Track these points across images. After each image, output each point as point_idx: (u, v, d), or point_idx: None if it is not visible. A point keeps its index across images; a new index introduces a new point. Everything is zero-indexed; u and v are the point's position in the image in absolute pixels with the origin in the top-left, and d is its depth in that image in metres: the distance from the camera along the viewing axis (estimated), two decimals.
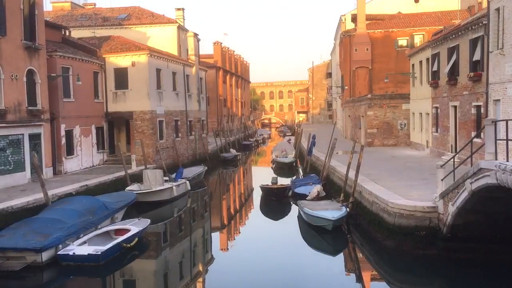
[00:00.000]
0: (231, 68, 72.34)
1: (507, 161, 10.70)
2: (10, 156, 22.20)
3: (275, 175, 29.36)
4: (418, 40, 43.52)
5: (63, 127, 26.55)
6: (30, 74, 23.86)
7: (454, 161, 14.18)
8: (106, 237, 16.21)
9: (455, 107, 24.78)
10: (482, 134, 17.12)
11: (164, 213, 23.03)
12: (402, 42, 44.62)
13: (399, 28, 44.80)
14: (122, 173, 25.30)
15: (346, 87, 49.27)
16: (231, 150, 47.61)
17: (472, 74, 21.81)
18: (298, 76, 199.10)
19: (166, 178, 25.57)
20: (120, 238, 15.68)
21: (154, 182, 23.87)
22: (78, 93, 28.04)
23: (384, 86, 42.94)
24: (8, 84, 22.10)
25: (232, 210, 26.18)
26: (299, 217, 20.26)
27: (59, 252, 14.36)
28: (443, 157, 23.84)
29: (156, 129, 31.46)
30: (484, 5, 26.11)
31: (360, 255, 16.41)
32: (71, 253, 14.30)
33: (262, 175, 34.31)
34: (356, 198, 18.60)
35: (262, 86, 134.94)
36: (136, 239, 16.07)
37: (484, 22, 20.20)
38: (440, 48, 26.69)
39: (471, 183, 12.01)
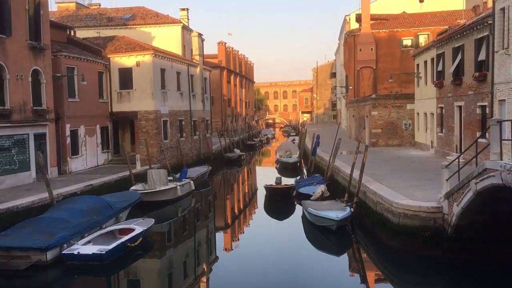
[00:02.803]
0: (235, 68, 72.36)
1: None
2: (15, 155, 22.29)
3: (279, 175, 29.33)
4: (422, 40, 43.39)
5: (68, 127, 26.64)
6: (35, 74, 23.95)
7: (459, 162, 14.12)
8: (111, 237, 16.25)
9: (460, 107, 24.69)
10: (487, 134, 17.06)
11: (168, 213, 23.06)
12: (407, 42, 44.50)
13: (403, 28, 44.70)
14: (127, 172, 25.36)
15: (351, 87, 49.20)
16: (235, 150, 47.63)
17: (477, 74, 21.72)
18: (302, 76, 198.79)
19: (170, 178, 25.60)
20: (125, 238, 15.72)
21: (159, 182, 23.93)
22: (83, 93, 28.13)
23: (389, 86, 42.83)
24: (13, 84, 22.20)
25: (236, 210, 26.20)
26: (303, 217, 20.25)
27: (63, 252, 14.40)
28: (448, 157, 23.75)
29: (161, 129, 31.52)
30: (489, 4, 25.99)
31: (364, 255, 16.38)
32: (75, 252, 14.34)
33: (266, 175, 34.31)
34: (360, 198, 18.57)
35: (266, 86, 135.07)
36: (140, 238, 16.11)
37: (489, 22, 20.12)
38: (445, 48, 26.61)
39: (476, 183, 11.97)
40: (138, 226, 16.87)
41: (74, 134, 27.29)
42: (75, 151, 27.38)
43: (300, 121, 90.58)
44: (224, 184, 35.66)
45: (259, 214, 23.87)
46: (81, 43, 31.35)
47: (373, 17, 46.68)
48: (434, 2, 49.70)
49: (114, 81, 31.07)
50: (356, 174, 19.53)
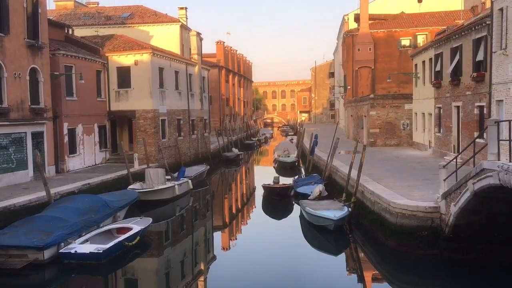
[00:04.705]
0: (234, 68, 72.33)
1: (510, 161, 10.67)
2: (13, 154, 22.26)
3: (277, 175, 29.34)
4: (421, 40, 43.45)
5: (65, 126, 26.60)
6: (33, 72, 23.91)
7: (456, 162, 14.15)
8: (108, 236, 16.22)
9: (458, 107, 24.74)
10: (485, 134, 17.08)
11: (166, 212, 23.05)
12: (405, 42, 44.56)
13: (402, 28, 44.75)
14: (125, 171, 25.33)
15: (349, 87, 49.23)
16: (233, 149, 47.60)
17: (475, 74, 21.76)
18: (300, 76, 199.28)
19: (168, 177, 25.59)
20: (122, 237, 15.69)
21: (156, 181, 23.90)
22: (81, 92, 28.09)
23: (387, 86, 42.89)
24: (11, 82, 22.16)
25: (234, 209, 26.19)
26: (301, 217, 20.25)
27: (61, 250, 14.36)
28: (445, 157, 23.78)
29: (159, 128, 31.48)
30: (488, 5, 26.02)
31: (361, 255, 16.38)
32: (73, 251, 14.31)
33: (264, 174, 34.28)
34: (358, 198, 18.58)
35: (264, 86, 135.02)
36: (138, 237, 16.08)
37: (487, 22, 20.15)
38: (443, 48, 26.64)
39: (473, 183, 11.98)
40: (136, 225, 16.84)
41: (72, 132, 27.25)
42: (72, 150, 27.35)
43: (298, 121, 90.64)
44: (222, 184, 35.64)
45: (257, 214, 23.86)
46: (79, 42, 31.28)
47: (372, 17, 46.71)
48: (433, 2, 49.73)
49: (112, 80, 31.03)
50: (354, 173, 19.53)
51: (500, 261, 13.10)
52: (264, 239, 18.59)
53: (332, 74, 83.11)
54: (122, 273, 14.87)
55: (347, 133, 48.44)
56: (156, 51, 31.83)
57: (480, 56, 21.50)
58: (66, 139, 26.60)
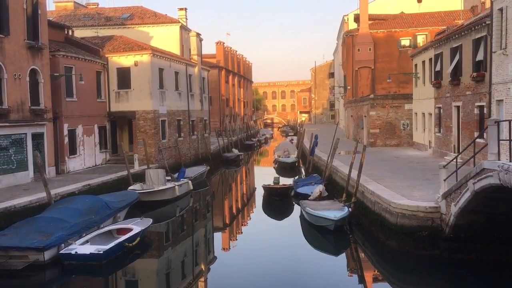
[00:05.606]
0: (234, 68, 72.34)
1: (510, 161, 10.68)
2: (13, 155, 22.26)
3: (277, 175, 29.33)
4: (421, 40, 43.47)
5: (66, 127, 26.60)
6: (33, 73, 23.92)
7: (456, 162, 14.15)
8: (108, 237, 16.22)
9: (458, 107, 24.74)
10: (485, 134, 17.09)
11: (166, 213, 23.04)
12: (405, 42, 44.59)
13: (402, 28, 44.77)
14: (125, 172, 25.33)
15: (349, 87, 49.25)
16: (234, 150, 47.62)
17: (475, 74, 21.77)
18: (300, 76, 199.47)
19: (169, 177, 25.58)
20: (122, 238, 15.69)
21: (157, 181, 23.91)
22: (81, 93, 28.10)
23: (387, 86, 42.89)
24: (11, 83, 22.16)
25: (234, 210, 26.19)
26: (301, 217, 20.25)
27: (61, 251, 14.37)
28: (445, 157, 23.78)
29: (159, 129, 31.49)
30: (487, 5, 26.04)
31: (362, 255, 16.38)
32: (73, 252, 14.31)
33: (264, 175, 34.28)
34: (358, 198, 18.59)
35: (264, 86, 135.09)
36: (138, 238, 16.09)
37: (487, 22, 20.16)
38: (443, 48, 26.65)
39: (473, 183, 11.98)
40: (136, 226, 16.84)
41: (72, 133, 27.25)
42: (73, 150, 27.34)
43: (299, 121, 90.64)
44: (222, 184, 35.64)
45: (257, 214, 23.85)
46: (79, 43, 31.29)
47: (372, 17, 46.74)
48: (432, 2, 49.79)
49: (112, 80, 31.04)
50: (354, 174, 19.54)
51: (500, 261, 13.09)
52: (264, 240, 18.59)
53: (332, 75, 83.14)
54: (122, 274, 14.87)
55: (347, 134, 48.44)
56: (156, 52, 31.85)
57: (480, 56, 21.50)
58: (66, 140, 26.60)
